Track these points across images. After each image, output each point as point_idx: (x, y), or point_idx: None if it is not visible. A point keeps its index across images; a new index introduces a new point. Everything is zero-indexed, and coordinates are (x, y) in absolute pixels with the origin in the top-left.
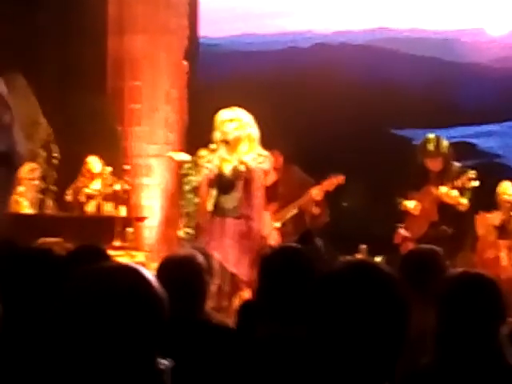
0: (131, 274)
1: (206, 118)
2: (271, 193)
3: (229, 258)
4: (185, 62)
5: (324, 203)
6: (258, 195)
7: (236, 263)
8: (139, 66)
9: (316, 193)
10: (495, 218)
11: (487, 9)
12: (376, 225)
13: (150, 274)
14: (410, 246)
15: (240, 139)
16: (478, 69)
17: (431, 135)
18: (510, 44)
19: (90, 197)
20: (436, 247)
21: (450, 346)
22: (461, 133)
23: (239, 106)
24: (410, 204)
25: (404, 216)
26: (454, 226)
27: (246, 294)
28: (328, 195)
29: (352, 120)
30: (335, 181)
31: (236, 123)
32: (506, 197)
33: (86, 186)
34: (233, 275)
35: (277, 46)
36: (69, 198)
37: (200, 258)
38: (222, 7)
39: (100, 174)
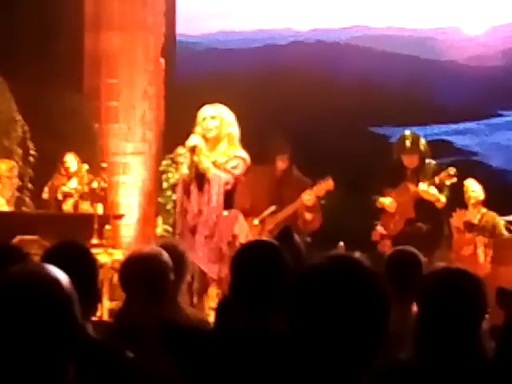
0: (37, 275)
1: (183, 115)
2: (272, 195)
3: (199, 255)
4: (162, 60)
5: (317, 208)
6: (216, 199)
7: (206, 261)
8: (116, 63)
9: (307, 198)
10: (472, 214)
11: (463, 7)
12: (353, 222)
13: (59, 273)
14: (388, 243)
15: (219, 138)
16: (454, 67)
17: (408, 132)
18: (485, 42)
19: (66, 195)
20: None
21: (431, 342)
22: (438, 130)
23: (217, 103)
24: (386, 201)
25: (380, 213)
26: (431, 223)
27: (215, 291)
28: None
29: (329, 117)
30: (324, 186)
31: (217, 121)
32: (470, 194)
33: (63, 184)
34: (203, 273)
35: (254, 43)
36: (45, 195)
37: (165, 256)
38: (199, 5)
39: (76, 173)
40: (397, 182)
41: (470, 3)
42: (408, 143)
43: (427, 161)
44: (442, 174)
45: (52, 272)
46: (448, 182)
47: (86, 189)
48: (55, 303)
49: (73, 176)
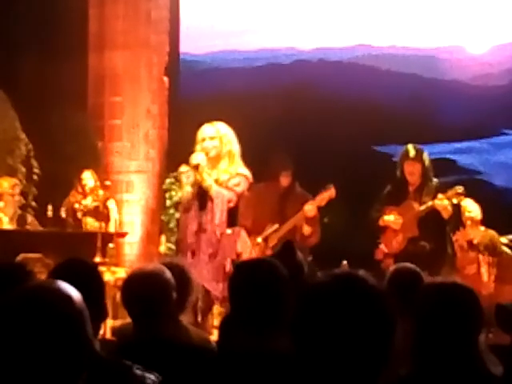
0: (51, 292)
1: (186, 133)
2: (276, 212)
3: (203, 273)
4: (165, 78)
5: (316, 222)
6: (219, 217)
7: (210, 279)
8: (120, 81)
9: (309, 209)
10: (474, 233)
11: (467, 26)
12: (357, 241)
13: (72, 290)
14: (391, 262)
15: (220, 157)
16: (458, 86)
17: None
18: (489, 62)
19: (76, 212)
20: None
21: (428, 356)
22: (441, 149)
23: (219, 121)
24: (391, 218)
25: (381, 231)
26: (434, 242)
27: (219, 309)
28: None
29: (332, 136)
30: (326, 195)
31: (216, 141)
32: (466, 214)
33: (78, 202)
34: (207, 291)
35: (257, 62)
36: (63, 214)
37: (167, 274)
38: (203, 24)
39: (92, 191)
40: (399, 201)
41: (474, 22)
42: (411, 152)
43: (431, 179)
44: (450, 192)
45: (64, 288)
46: (455, 201)
47: (94, 205)
48: (68, 319)
49: (89, 194)
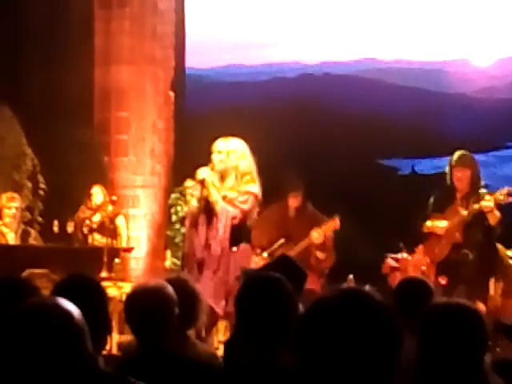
0: (51, 308)
1: (192, 148)
2: (285, 232)
3: (206, 289)
4: (171, 93)
5: (329, 247)
6: (222, 233)
7: (212, 295)
8: (126, 96)
9: (316, 236)
10: None
11: (472, 40)
12: (363, 255)
13: (71, 306)
14: (398, 275)
15: (226, 171)
16: (463, 99)
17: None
18: (494, 75)
19: (90, 229)
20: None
21: (433, 377)
22: (446, 162)
23: (225, 136)
24: (441, 223)
25: (425, 239)
26: (478, 250)
27: (224, 324)
28: None
29: (339, 149)
30: (331, 225)
31: (223, 155)
32: None
33: (87, 217)
34: (210, 307)
35: (263, 76)
36: (70, 229)
37: (169, 289)
38: (209, 39)
39: (101, 206)
40: (445, 208)
41: (479, 36)
42: (461, 157)
43: (480, 188)
44: (498, 193)
45: (64, 305)
46: (505, 201)
47: (107, 223)
48: (67, 334)
49: (98, 209)
